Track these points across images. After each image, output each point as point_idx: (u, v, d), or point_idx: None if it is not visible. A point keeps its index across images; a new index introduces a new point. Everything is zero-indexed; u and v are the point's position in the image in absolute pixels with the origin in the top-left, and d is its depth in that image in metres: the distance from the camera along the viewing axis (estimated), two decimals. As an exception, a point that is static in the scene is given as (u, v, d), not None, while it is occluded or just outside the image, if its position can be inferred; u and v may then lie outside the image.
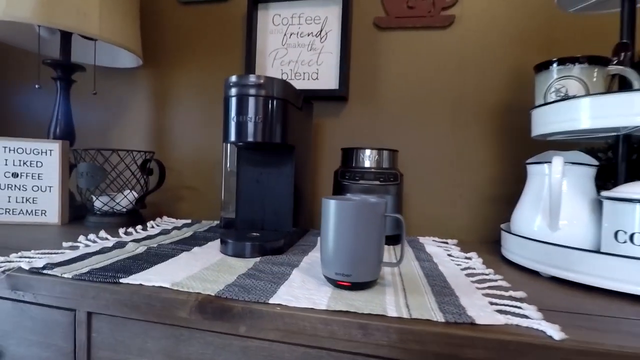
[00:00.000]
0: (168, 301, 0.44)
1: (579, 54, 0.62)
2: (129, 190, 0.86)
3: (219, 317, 0.42)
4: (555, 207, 0.57)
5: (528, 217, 0.64)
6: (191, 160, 1.04)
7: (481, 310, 0.41)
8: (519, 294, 0.47)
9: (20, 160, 0.82)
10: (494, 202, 0.87)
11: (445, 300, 0.44)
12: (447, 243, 0.79)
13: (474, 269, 0.60)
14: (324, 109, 0.96)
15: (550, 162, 0.61)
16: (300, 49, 0.95)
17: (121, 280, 0.47)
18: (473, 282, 0.53)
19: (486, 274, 0.57)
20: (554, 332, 0.36)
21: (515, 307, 0.43)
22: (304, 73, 0.95)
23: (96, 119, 1.10)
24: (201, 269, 0.53)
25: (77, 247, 0.63)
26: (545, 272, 0.57)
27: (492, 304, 0.44)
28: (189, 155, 1.04)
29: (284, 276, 0.51)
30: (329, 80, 0.93)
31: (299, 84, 0.94)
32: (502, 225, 0.72)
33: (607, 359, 0.34)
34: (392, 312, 0.40)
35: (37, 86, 0.87)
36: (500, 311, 0.42)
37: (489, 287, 0.51)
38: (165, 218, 0.94)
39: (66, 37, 0.90)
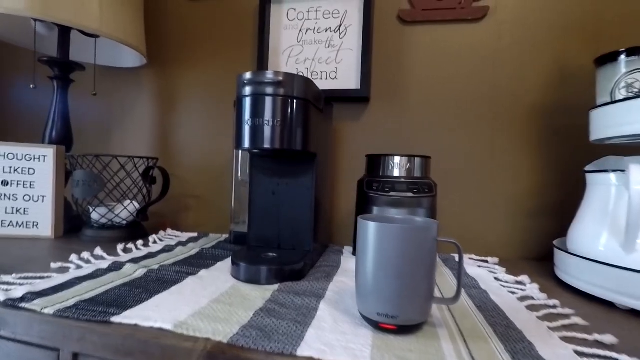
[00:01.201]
0: (169, 349, 0.35)
1: (634, 43, 0.53)
2: (129, 201, 0.78)
3: (233, 371, 0.34)
4: (633, 225, 0.47)
5: (591, 234, 0.54)
6: (198, 166, 0.96)
7: (572, 367, 0.32)
8: (608, 338, 0.38)
9: (10, 167, 0.75)
10: (536, 215, 0.78)
11: (518, 349, 0.35)
12: (487, 262, 0.70)
13: (533, 298, 0.50)
14: (344, 111, 0.87)
15: (619, 170, 0.52)
16: (317, 45, 0.87)
17: (113, 319, 0.38)
18: (540, 318, 0.43)
19: (551, 306, 0.47)
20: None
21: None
22: (322, 72, 0.86)
23: (96, 123, 1.02)
24: (210, 302, 0.44)
25: (66, 270, 0.54)
26: (623, 304, 0.47)
27: (580, 354, 0.34)
28: (196, 162, 0.96)
29: (310, 312, 0.42)
30: (349, 79, 0.85)
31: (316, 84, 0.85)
32: (556, 242, 0.63)
33: None
34: (458, 371, 0.31)
35: (32, 86, 0.80)
36: (596, 368, 0.32)
37: (564, 327, 0.41)
38: (169, 231, 0.85)
39: (64, 33, 0.82)
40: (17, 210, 0.75)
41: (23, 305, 0.41)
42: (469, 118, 0.81)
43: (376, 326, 0.38)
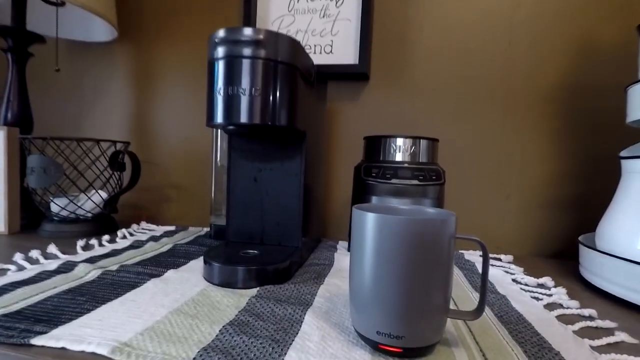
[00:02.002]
0: (101, 382, 0.26)
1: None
2: (94, 191, 0.68)
3: (184, 414, 0.25)
4: (688, 220, 0.39)
5: (628, 230, 0.46)
6: (179, 153, 0.87)
7: (641, 411, 0.23)
8: (670, 362, 0.29)
9: (-43, 152, 0.65)
10: (553, 206, 0.69)
11: (561, 381, 0.26)
12: (501, 260, 0.62)
13: (562, 306, 0.42)
14: (341, 89, 0.77)
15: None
16: (310, 15, 0.77)
17: (34, 341, 0.29)
18: (577, 333, 0.35)
19: (586, 317, 0.39)
20: None
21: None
22: (315, 45, 0.77)
23: (62, 104, 0.92)
24: (169, 312, 0.35)
25: (5, 272, 0.45)
26: (674, 314, 0.39)
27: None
28: (176, 147, 0.87)
29: (293, 326, 0.33)
30: (346, 54, 0.75)
31: (308, 59, 0.76)
32: (581, 238, 0.54)
33: None
34: (490, 420, 0.22)
35: (-17, 60, 0.70)
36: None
37: (610, 347, 0.33)
38: (144, 224, 0.76)
39: None
40: (-34, 201, 0.66)
41: None
42: (480, 98, 0.72)
43: (376, 347, 0.29)
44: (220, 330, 0.32)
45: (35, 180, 0.62)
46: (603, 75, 0.66)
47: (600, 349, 0.32)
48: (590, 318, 0.39)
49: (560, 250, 0.69)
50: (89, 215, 0.68)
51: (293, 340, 0.31)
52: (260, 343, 0.30)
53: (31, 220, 0.72)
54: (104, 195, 0.70)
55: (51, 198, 0.66)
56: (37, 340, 0.29)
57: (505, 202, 0.71)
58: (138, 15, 0.87)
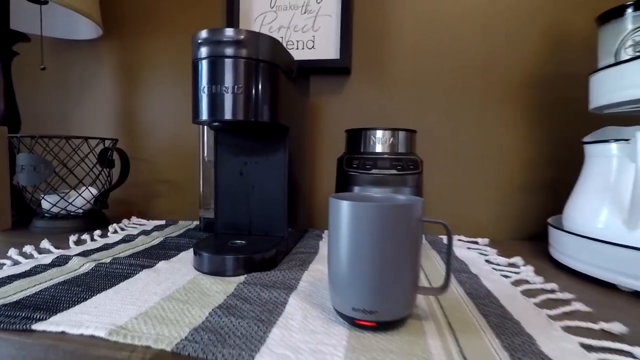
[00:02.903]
0: (101, 361, 0.29)
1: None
2: (85, 187, 0.70)
3: (177, 385, 0.28)
4: (639, 200, 0.43)
5: (591, 210, 0.50)
6: (168, 149, 0.88)
7: (581, 366, 0.27)
8: (616, 327, 0.33)
9: (-55, 153, 0.66)
10: (529, 191, 0.73)
11: (516, 345, 0.30)
12: (477, 243, 0.65)
13: (529, 282, 0.46)
14: (323, 84, 0.80)
15: (623, 140, 0.47)
16: (292, 11, 0.79)
17: (35, 326, 0.32)
18: (538, 305, 0.38)
19: (549, 291, 0.43)
20: None
21: (625, 353, 0.29)
22: (298, 41, 0.79)
23: (49, 102, 0.93)
24: (161, 299, 0.38)
25: (0, 267, 0.47)
26: (627, 285, 0.43)
27: (587, 348, 0.30)
28: (164, 143, 0.88)
29: (278, 307, 0.36)
30: (327, 49, 0.77)
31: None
32: (550, 220, 0.58)
33: None
34: (448, 378, 0.25)
35: (-34, 60, 0.70)
36: (608, 365, 0.27)
37: (565, 315, 0.36)
38: (134, 219, 0.78)
39: (2, -1, 0.72)
40: (-43, 200, 0.66)
41: None
42: (458, 90, 0.75)
43: (352, 323, 0.32)
44: (209, 313, 0.35)
45: (26, 178, 0.64)
46: (573, 65, 0.70)
47: (556, 317, 0.36)
48: (552, 291, 0.42)
49: (536, 233, 0.73)
50: (80, 211, 0.70)
51: (277, 320, 0.34)
52: (247, 323, 0.33)
53: (22, 217, 0.73)
54: (94, 191, 0.72)
55: (42, 195, 0.68)
56: (37, 326, 0.32)
57: (484, 188, 0.75)
58: (122, 13, 0.87)
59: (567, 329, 0.33)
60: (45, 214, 0.68)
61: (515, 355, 0.28)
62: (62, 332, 0.31)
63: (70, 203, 0.68)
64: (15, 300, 0.37)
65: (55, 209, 0.67)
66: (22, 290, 0.39)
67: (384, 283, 0.31)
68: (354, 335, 0.31)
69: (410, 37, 0.76)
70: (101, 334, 0.30)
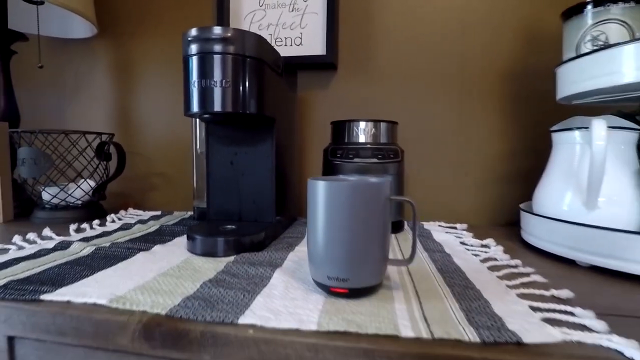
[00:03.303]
0: (102, 325, 0.32)
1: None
2: (83, 180, 0.73)
3: (171, 345, 0.31)
4: (595, 182, 0.46)
5: (556, 194, 0.53)
6: (161, 142, 0.91)
7: (525, 321, 0.31)
8: (564, 293, 0.37)
9: (-52, 148, 0.69)
10: (505, 179, 0.77)
11: (473, 308, 0.34)
12: (456, 228, 0.69)
13: (496, 259, 0.50)
14: (311, 79, 0.83)
15: (583, 127, 0.51)
16: (280, 9, 0.82)
17: (43, 297, 0.35)
18: (500, 277, 0.42)
19: (513, 266, 0.47)
20: (636, 352, 0.26)
21: (566, 313, 0.33)
22: (286, 38, 0.82)
23: (47, 98, 0.95)
24: (157, 275, 0.41)
25: (6, 251, 0.50)
26: (583, 260, 0.47)
27: (534, 309, 0.33)
28: (158, 138, 0.91)
29: (263, 281, 0.40)
30: (314, 45, 0.80)
31: (280, 51, 0.81)
32: (522, 205, 0.62)
33: None
34: (407, 331, 0.29)
35: (-33, 59, 0.73)
36: (549, 320, 0.31)
37: (522, 285, 0.40)
38: (131, 210, 0.81)
39: None
40: (-40, 193, 0.70)
41: (-55, 286, 0.37)
42: (438, 84, 0.78)
43: (328, 291, 0.36)
44: (200, 285, 0.38)
45: (27, 170, 0.67)
46: (546, 59, 0.73)
47: (513, 287, 0.39)
48: (515, 267, 0.46)
49: (513, 219, 0.77)
50: (79, 202, 0.73)
51: (261, 290, 0.37)
52: (234, 292, 0.36)
53: (22, 209, 0.77)
54: (92, 183, 0.75)
55: (42, 187, 0.71)
56: (45, 297, 0.35)
57: (464, 178, 0.79)
58: (116, 12, 0.90)
59: (521, 296, 0.37)
60: (46, 205, 0.72)
61: (470, 315, 0.32)
62: (68, 302, 0.35)
63: (70, 195, 0.71)
64: (23, 277, 0.40)
65: (55, 201, 0.71)
66: (29, 270, 0.42)
67: (355, 254, 0.34)
68: (329, 302, 0.35)
69: (393, 34, 0.79)
70: (103, 302, 0.34)
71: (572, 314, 0.33)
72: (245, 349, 0.30)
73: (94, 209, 0.75)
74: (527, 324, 0.30)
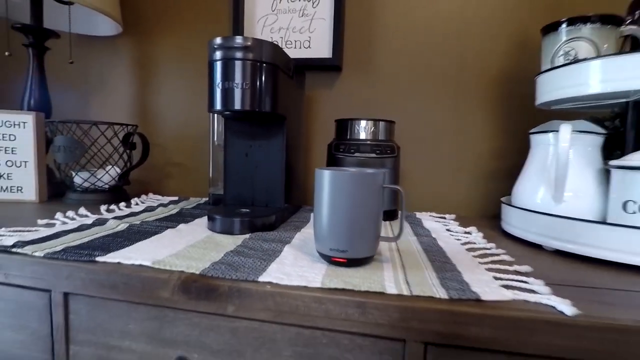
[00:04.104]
0: (148, 281, 0.41)
1: (590, 13, 0.58)
2: (111, 166, 0.81)
3: (204, 297, 0.39)
4: (560, 178, 0.54)
5: (531, 189, 0.61)
6: (178, 134, 0.99)
7: (486, 286, 0.39)
8: (524, 268, 0.45)
9: (-9, 134, 0.77)
10: (494, 176, 0.84)
11: (447, 276, 0.41)
12: (444, 218, 0.77)
13: (475, 243, 0.57)
14: (317, 79, 0.90)
15: (556, 131, 0.58)
16: (291, 14, 0.89)
17: (97, 259, 0.43)
18: (475, 256, 0.50)
19: (487, 249, 0.54)
20: (566, 307, 0.33)
21: (522, 282, 0.41)
22: (296, 41, 0.89)
23: (74, 91, 1.03)
24: (186, 247, 0.49)
25: (53, 225, 0.59)
26: (549, 245, 0.54)
27: (496, 279, 0.41)
28: (175, 129, 0.99)
29: (275, 253, 0.48)
30: (321, 48, 0.88)
31: (290, 53, 0.88)
32: (503, 199, 0.70)
33: (624, 336, 0.32)
34: (391, 289, 0.37)
35: (7, 53, 0.81)
36: (506, 286, 0.39)
37: (492, 262, 0.48)
38: (151, 195, 0.89)
39: (36, 0, 0.82)
40: (0, 176, 0.78)
41: (15, 250, 0.45)
42: (436, 86, 0.86)
43: (330, 260, 0.44)
44: (224, 254, 0.46)
45: (63, 156, 0.75)
46: (533, 67, 0.80)
47: (484, 263, 0.47)
48: (490, 249, 0.54)
49: (499, 212, 0.84)
50: (106, 186, 0.81)
51: (275, 259, 0.45)
52: (252, 260, 0.44)
53: (52, 192, 0.85)
54: (118, 170, 0.83)
55: (75, 172, 0.79)
56: (99, 259, 0.43)
57: (456, 173, 0.86)
58: (139, 13, 0.98)
59: (489, 269, 0.45)
60: (77, 188, 0.80)
61: (444, 281, 0.40)
62: (118, 263, 0.43)
63: (99, 179, 0.79)
64: (75, 244, 0.48)
65: (86, 184, 0.79)
66: (78, 240, 0.50)
67: (353, 230, 0.42)
68: (331, 269, 0.43)
69: (394, 39, 0.86)
70: (147, 263, 0.42)
71: (525, 282, 0.40)
72: (263, 301, 0.38)
73: (118, 193, 0.83)
74: (487, 288, 0.38)
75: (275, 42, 0.58)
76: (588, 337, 0.32)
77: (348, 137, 0.72)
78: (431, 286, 0.38)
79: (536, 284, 0.39)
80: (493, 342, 0.34)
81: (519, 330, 0.33)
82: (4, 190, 0.78)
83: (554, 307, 0.34)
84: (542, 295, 0.37)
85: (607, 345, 0.32)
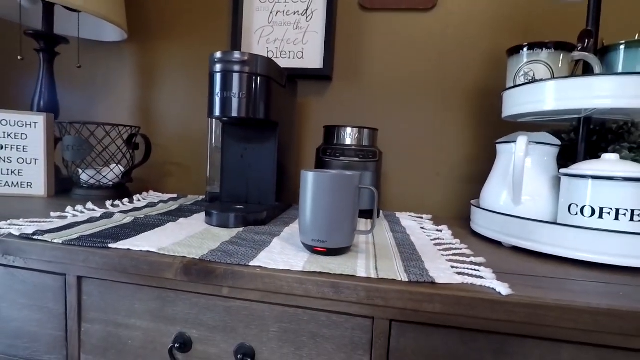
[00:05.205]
0: (155, 264, 0.47)
1: (547, 40, 0.66)
2: (115, 164, 0.87)
3: (203, 278, 0.46)
4: (518, 183, 0.61)
5: (495, 193, 0.68)
6: (177, 136, 1.06)
7: (442, 272, 0.46)
8: (479, 259, 0.52)
9: (4, 132, 0.83)
10: (468, 181, 0.92)
11: (411, 265, 0.48)
12: (422, 218, 0.84)
13: (443, 239, 0.64)
14: (309, 88, 0.97)
15: (516, 141, 0.66)
16: (286, 27, 0.96)
17: (110, 245, 0.50)
18: (440, 250, 0.57)
19: (453, 244, 0.61)
20: (503, 289, 0.41)
21: (474, 270, 0.48)
22: (290, 52, 0.96)
23: (80, 94, 1.09)
24: (186, 237, 0.56)
25: (65, 217, 0.65)
26: (507, 242, 0.62)
27: (453, 267, 0.48)
28: (175, 131, 1.06)
29: (265, 243, 0.55)
30: (314, 59, 0.95)
31: (284, 63, 0.95)
32: (473, 201, 0.77)
33: (545, 311, 0.39)
34: (361, 273, 0.44)
35: (19, 57, 0.87)
36: (459, 273, 0.46)
37: (453, 255, 0.55)
38: (151, 192, 0.96)
39: (48, 7, 0.89)
40: (12, 172, 0.83)
41: (36, 237, 0.52)
42: (418, 97, 0.93)
43: (312, 250, 0.51)
44: (220, 244, 0.53)
45: (72, 155, 0.81)
46: (503, 83, 0.88)
47: (446, 255, 0.54)
48: (454, 244, 0.61)
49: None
50: (110, 184, 0.87)
51: (264, 249, 0.52)
52: (245, 249, 0.51)
53: (59, 188, 0.90)
54: (122, 168, 0.89)
55: (81, 170, 0.85)
56: (111, 245, 0.50)
57: (434, 177, 0.94)
58: (144, 21, 1.04)
59: (449, 260, 0.52)
60: (83, 185, 0.86)
61: (407, 268, 0.47)
62: (128, 249, 0.49)
63: (104, 176, 0.85)
64: (88, 234, 0.54)
65: (91, 181, 0.85)
66: (90, 230, 0.57)
67: (332, 223, 0.49)
68: (312, 257, 0.50)
69: (381, 53, 0.94)
70: (153, 250, 0.49)
71: (477, 270, 0.47)
72: (253, 282, 0.45)
73: (121, 189, 0.90)
74: (442, 274, 0.45)
75: (269, 56, 0.64)
76: (517, 312, 0.39)
77: (335, 142, 0.79)
78: (396, 271, 0.45)
79: (485, 272, 0.46)
80: (444, 318, 0.41)
81: (463, 307, 0.40)
82: (15, 186, 0.84)
83: (494, 289, 0.41)
84: (487, 280, 0.44)
85: (532, 319, 0.39)
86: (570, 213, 0.56)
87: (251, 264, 0.46)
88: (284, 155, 0.78)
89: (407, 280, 0.43)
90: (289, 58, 0.96)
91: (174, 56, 1.04)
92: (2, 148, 0.83)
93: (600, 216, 0.53)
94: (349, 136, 0.78)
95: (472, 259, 0.52)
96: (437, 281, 0.43)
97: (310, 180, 0.49)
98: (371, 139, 0.80)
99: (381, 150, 0.81)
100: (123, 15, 0.96)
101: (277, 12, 0.96)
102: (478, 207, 0.70)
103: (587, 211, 0.54)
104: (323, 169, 0.79)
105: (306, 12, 0.95)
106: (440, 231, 0.71)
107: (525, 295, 0.40)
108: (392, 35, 0.93)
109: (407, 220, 0.80)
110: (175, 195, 0.95)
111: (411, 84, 0.93)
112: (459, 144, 0.92)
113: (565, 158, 0.70)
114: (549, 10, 0.86)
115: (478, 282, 0.43)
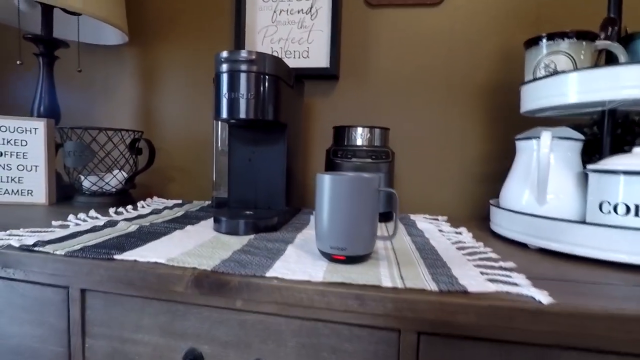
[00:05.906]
0: (163, 277, 0.44)
1: (568, 30, 0.62)
2: (118, 170, 0.84)
3: (215, 291, 0.43)
4: (542, 181, 0.58)
5: (516, 192, 0.65)
6: (181, 140, 1.03)
7: (473, 280, 0.42)
8: (509, 264, 0.49)
9: (3, 139, 0.80)
10: (483, 179, 0.89)
11: (438, 272, 0.45)
12: (437, 219, 0.81)
13: (464, 242, 0.61)
14: (315, 88, 0.94)
15: (538, 137, 0.62)
16: (290, 26, 0.93)
17: (115, 257, 0.47)
18: (464, 254, 0.54)
19: (476, 247, 0.58)
20: (543, 297, 0.37)
21: (505, 276, 0.45)
22: (295, 51, 0.93)
23: (81, 98, 1.07)
24: (195, 246, 0.53)
25: (67, 226, 0.62)
26: (533, 243, 0.58)
27: (483, 273, 0.45)
28: (178, 135, 1.03)
29: (279, 252, 0.52)
30: (319, 58, 0.92)
31: (289, 63, 0.92)
32: (492, 201, 0.74)
33: (592, 321, 0.36)
34: (387, 283, 0.41)
35: (18, 62, 0.84)
36: (491, 280, 0.43)
37: (480, 259, 0.52)
38: (155, 198, 0.93)
39: (47, 11, 0.86)
40: (12, 179, 0.81)
41: (37, 249, 0.49)
42: (427, 94, 0.90)
43: (330, 258, 0.48)
44: (232, 253, 0.50)
45: (73, 161, 0.78)
46: (517, 77, 0.85)
47: (472, 260, 0.51)
48: (478, 247, 0.58)
49: (488, 212, 0.88)
50: (113, 190, 0.84)
51: (279, 257, 0.49)
52: (259, 258, 0.48)
53: (60, 195, 0.87)
54: (125, 174, 0.86)
55: (83, 176, 0.82)
56: (116, 257, 0.47)
57: (448, 177, 0.91)
58: (144, 23, 1.01)
59: (476, 265, 0.49)
60: (85, 192, 0.83)
61: (435, 275, 0.44)
62: (135, 260, 0.46)
63: (107, 183, 0.82)
64: (93, 244, 0.51)
65: (94, 188, 0.82)
66: (94, 240, 0.54)
67: (351, 229, 0.46)
68: (331, 265, 0.46)
69: (388, 50, 0.91)
70: (162, 261, 0.46)
71: (509, 276, 0.44)
72: (270, 294, 0.41)
73: (124, 196, 0.87)
74: (474, 281, 0.42)
75: (275, 53, 0.61)
76: (561, 322, 0.36)
77: (345, 143, 0.76)
78: (423, 280, 0.42)
79: (518, 278, 0.43)
80: (478, 330, 0.38)
81: (501, 318, 0.37)
82: (15, 193, 0.81)
83: (532, 297, 0.38)
84: (523, 287, 0.41)
85: (577, 329, 0.36)
86: (602, 211, 0.53)
87: (267, 274, 0.43)
88: (292, 157, 0.75)
89: (437, 289, 0.40)
90: (294, 58, 0.93)
91: (176, 58, 1.01)
92: (1, 155, 0.80)
93: (637, 214, 0.49)
94: (359, 136, 0.75)
95: (501, 263, 0.49)
96: (469, 290, 0.40)
97: (327, 184, 0.46)
98: (383, 139, 0.76)
99: (393, 150, 0.78)
100: (123, 18, 0.93)
101: (280, 11, 0.94)
102: (498, 207, 0.67)
103: (621, 209, 0.50)
104: (334, 170, 0.75)
105: (310, 11, 0.92)
106: (460, 233, 0.67)
107: (568, 303, 0.37)
108: (398, 32, 0.91)
109: (422, 222, 0.77)
110: (180, 201, 0.92)
111: (419, 81, 0.90)
112: (471, 142, 0.89)
113: (588, 153, 0.67)
114: (564, 0, 0.83)
115: (513, 289, 0.40)
